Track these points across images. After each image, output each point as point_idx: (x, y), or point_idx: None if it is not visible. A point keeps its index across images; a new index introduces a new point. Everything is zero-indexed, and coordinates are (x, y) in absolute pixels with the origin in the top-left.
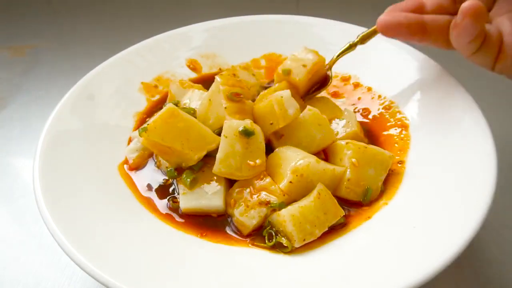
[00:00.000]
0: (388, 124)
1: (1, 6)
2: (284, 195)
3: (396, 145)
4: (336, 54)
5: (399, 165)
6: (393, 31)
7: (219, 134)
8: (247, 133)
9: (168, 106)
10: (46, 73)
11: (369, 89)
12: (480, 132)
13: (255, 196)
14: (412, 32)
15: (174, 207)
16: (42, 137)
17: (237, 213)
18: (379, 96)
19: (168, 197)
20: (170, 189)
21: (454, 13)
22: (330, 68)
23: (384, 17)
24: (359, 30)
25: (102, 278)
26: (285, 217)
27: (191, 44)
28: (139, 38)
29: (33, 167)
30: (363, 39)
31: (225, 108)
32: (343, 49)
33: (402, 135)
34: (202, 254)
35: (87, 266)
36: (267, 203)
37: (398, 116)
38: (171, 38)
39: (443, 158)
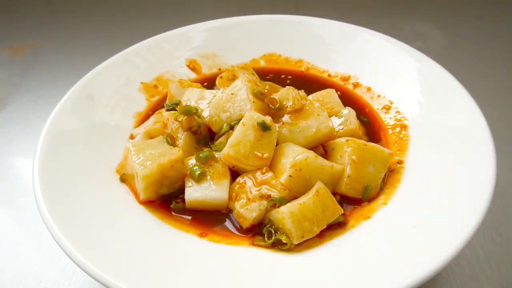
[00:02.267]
0: (387, 124)
1: (1, 6)
2: (284, 189)
3: (395, 144)
4: None
5: (398, 165)
6: None
7: (232, 127)
8: (264, 127)
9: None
10: (46, 73)
11: (369, 89)
12: (479, 131)
13: (256, 190)
14: None
15: (177, 207)
16: (42, 137)
17: (238, 206)
18: (379, 96)
19: (171, 199)
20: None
21: None
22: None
23: None
24: (359, 30)
25: (102, 278)
26: (284, 214)
27: (191, 44)
28: (139, 38)
29: (33, 167)
30: None
31: (253, 102)
32: None
33: (401, 135)
34: (202, 254)
35: (87, 266)
36: (268, 196)
37: (397, 116)
38: (171, 38)
39: (442, 158)
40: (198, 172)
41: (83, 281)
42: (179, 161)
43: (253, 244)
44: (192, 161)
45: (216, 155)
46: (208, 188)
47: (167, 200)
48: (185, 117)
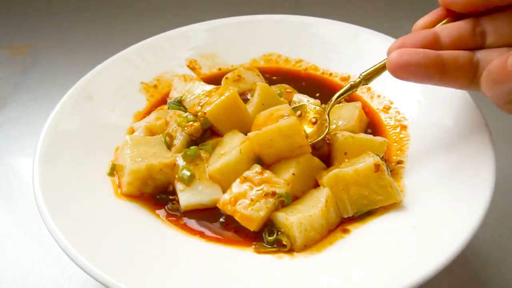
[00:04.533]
0: (387, 124)
1: (1, 6)
2: (288, 184)
3: (395, 144)
4: (335, 97)
5: (398, 165)
6: (408, 73)
7: None
8: (258, 161)
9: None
10: (46, 72)
11: (369, 89)
12: (479, 131)
13: (257, 190)
14: (430, 73)
15: (174, 208)
16: (42, 137)
17: (241, 208)
18: (378, 96)
19: (167, 200)
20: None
21: (474, 47)
22: (327, 113)
23: (397, 57)
24: (359, 30)
25: (102, 278)
26: (293, 224)
27: (191, 44)
28: (139, 38)
29: (32, 166)
30: (367, 79)
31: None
32: (343, 90)
33: (401, 135)
34: (202, 255)
35: (86, 266)
36: (273, 193)
37: (397, 116)
38: (171, 38)
39: (442, 158)
40: (187, 175)
41: (83, 281)
42: (169, 167)
43: (255, 247)
44: (180, 160)
45: (203, 154)
46: (202, 192)
47: (164, 201)
48: (196, 124)
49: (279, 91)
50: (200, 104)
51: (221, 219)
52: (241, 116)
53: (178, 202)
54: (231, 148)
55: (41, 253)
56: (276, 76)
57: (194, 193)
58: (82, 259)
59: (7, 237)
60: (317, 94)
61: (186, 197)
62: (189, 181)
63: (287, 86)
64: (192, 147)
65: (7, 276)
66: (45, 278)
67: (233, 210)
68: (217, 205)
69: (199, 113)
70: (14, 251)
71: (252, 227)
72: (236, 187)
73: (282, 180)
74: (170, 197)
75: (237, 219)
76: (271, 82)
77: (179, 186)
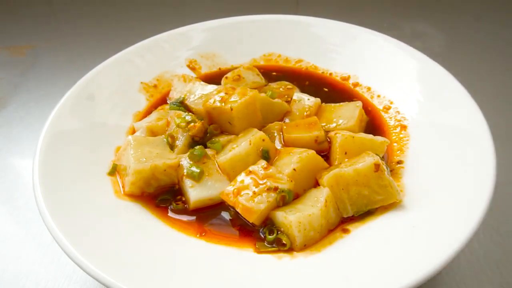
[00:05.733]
0: (387, 124)
1: (1, 6)
2: (291, 180)
3: (395, 144)
4: None
5: (398, 165)
6: None
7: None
8: (264, 157)
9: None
10: (46, 73)
11: (369, 88)
12: (479, 131)
13: (261, 184)
14: None
15: (177, 208)
16: (42, 137)
17: (243, 200)
18: (378, 96)
19: (170, 200)
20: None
21: None
22: None
23: None
24: (359, 30)
25: (102, 277)
26: (292, 223)
27: (191, 44)
28: (139, 38)
29: (33, 167)
30: None
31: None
32: None
33: (401, 135)
34: (201, 255)
35: (86, 266)
36: (276, 188)
37: (397, 116)
38: (171, 38)
39: (442, 158)
40: (197, 171)
41: (83, 281)
42: (173, 168)
43: (255, 246)
44: (184, 161)
45: (208, 152)
46: (212, 186)
47: (166, 201)
48: (197, 123)
49: (270, 92)
50: (221, 98)
51: (227, 218)
52: (256, 116)
53: (183, 202)
54: (242, 141)
55: (41, 253)
56: (277, 73)
57: (203, 188)
58: (82, 259)
59: (7, 237)
60: (325, 89)
61: (196, 193)
62: (199, 177)
63: (287, 83)
64: (198, 147)
65: (7, 276)
66: (45, 278)
67: (235, 201)
68: (220, 195)
69: (225, 107)
70: (14, 251)
71: (252, 219)
72: (241, 179)
73: (286, 177)
74: (173, 197)
75: (238, 211)
76: (270, 78)
77: (188, 183)
